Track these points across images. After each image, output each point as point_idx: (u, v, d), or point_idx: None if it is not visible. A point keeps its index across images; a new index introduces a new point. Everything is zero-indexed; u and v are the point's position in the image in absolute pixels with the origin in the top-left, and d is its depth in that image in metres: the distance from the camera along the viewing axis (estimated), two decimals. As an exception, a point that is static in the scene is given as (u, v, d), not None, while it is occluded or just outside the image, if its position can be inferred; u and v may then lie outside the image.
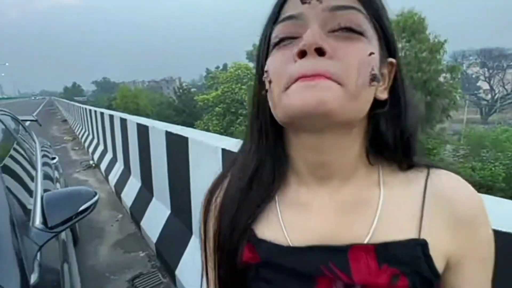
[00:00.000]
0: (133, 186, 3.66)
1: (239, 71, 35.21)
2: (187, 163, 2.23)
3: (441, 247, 0.38)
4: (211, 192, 0.50)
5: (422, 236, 0.37)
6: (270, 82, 0.37)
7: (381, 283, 0.36)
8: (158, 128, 2.81)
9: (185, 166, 2.25)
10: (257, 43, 0.42)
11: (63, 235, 1.41)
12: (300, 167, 0.42)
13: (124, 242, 2.97)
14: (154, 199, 3.03)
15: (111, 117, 4.97)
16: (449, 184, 0.40)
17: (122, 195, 3.84)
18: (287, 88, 0.35)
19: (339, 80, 0.33)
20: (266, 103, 0.40)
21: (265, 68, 0.38)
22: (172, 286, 2.25)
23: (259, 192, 0.43)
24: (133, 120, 3.68)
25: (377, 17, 0.37)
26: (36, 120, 5.38)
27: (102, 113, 5.91)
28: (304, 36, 0.34)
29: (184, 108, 31.39)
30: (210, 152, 1.87)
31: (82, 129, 9.89)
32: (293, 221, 0.42)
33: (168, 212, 2.69)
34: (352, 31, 0.35)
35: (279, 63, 0.36)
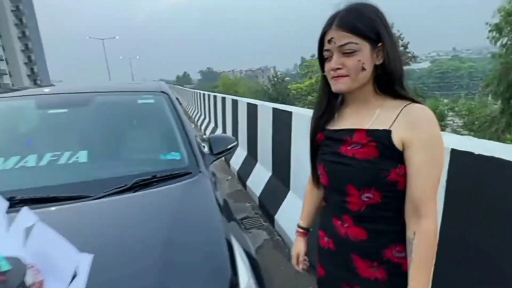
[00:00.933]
0: (240, 154, 4.47)
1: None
2: (289, 133, 2.77)
3: (399, 134, 0.79)
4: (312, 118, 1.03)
5: (390, 128, 0.80)
6: (325, 73, 0.88)
7: (364, 143, 0.82)
8: (266, 106, 3.45)
9: (288, 136, 2.80)
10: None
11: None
12: (347, 98, 0.92)
13: (233, 195, 3.78)
14: (258, 164, 3.74)
15: (223, 98, 5.96)
16: (416, 107, 0.80)
17: (231, 161, 4.72)
18: (331, 79, 0.85)
19: (348, 75, 0.81)
20: (327, 81, 0.89)
21: (325, 71, 0.88)
22: (271, 227, 2.88)
23: (327, 112, 0.95)
24: (244, 100, 4.47)
25: (371, 32, 0.79)
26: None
27: (215, 96, 7.08)
28: (332, 60, 0.83)
29: (278, 96, 32.54)
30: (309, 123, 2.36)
31: (194, 109, 11.71)
32: (338, 121, 0.92)
33: (270, 174, 3.33)
34: (350, 52, 0.80)
35: (327, 69, 0.85)
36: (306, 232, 1.14)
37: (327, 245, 0.98)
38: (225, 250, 1.03)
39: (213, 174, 1.66)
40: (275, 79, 36.81)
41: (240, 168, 4.28)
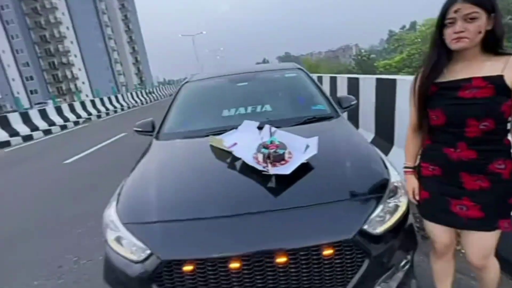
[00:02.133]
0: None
1: (434, 28, 30.35)
2: (393, 98, 3.29)
3: (509, 77, 1.05)
4: (417, 74, 1.29)
5: (502, 73, 1.07)
6: (444, 38, 1.14)
7: (482, 86, 1.09)
8: (368, 77, 3.99)
9: (392, 100, 3.32)
10: None
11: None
12: (455, 57, 1.17)
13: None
14: (360, 128, 4.32)
15: (320, 77, 6.61)
16: None
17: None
18: (451, 40, 1.11)
19: (468, 38, 1.08)
20: (442, 41, 1.14)
21: (444, 32, 1.13)
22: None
23: (436, 68, 1.18)
24: (344, 76, 5.05)
25: (488, 4, 1.05)
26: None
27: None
28: (456, 25, 1.09)
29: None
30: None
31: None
32: (449, 74, 1.17)
33: (373, 135, 3.90)
34: (472, 19, 1.05)
35: (449, 33, 1.11)
36: (414, 170, 1.37)
37: (432, 172, 1.27)
38: (379, 158, 1.64)
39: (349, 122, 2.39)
40: (359, 57, 35.00)
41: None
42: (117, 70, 74.28)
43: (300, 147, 1.61)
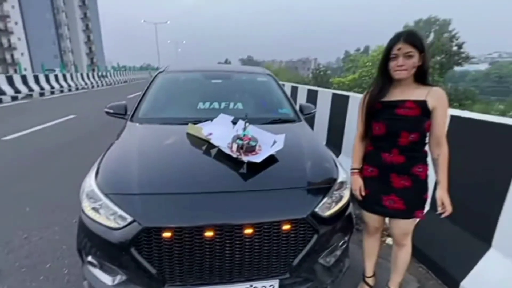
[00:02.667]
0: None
1: (381, 58, 33.40)
2: (345, 112, 3.76)
3: (431, 103, 1.43)
4: (365, 94, 1.76)
5: (426, 99, 1.44)
6: (389, 68, 1.49)
7: (413, 107, 1.45)
8: (326, 91, 4.45)
9: (344, 114, 3.78)
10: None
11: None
12: (396, 83, 1.51)
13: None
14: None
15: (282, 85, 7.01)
16: (438, 88, 1.45)
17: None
18: (394, 71, 1.47)
19: (406, 70, 1.43)
20: (386, 70, 1.49)
21: (389, 64, 1.48)
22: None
23: (382, 90, 1.54)
24: (304, 87, 5.49)
25: (420, 46, 1.42)
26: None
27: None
28: (399, 60, 1.44)
29: (319, 89, 32.71)
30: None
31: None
32: (391, 96, 1.52)
33: (324, 142, 4.35)
34: (410, 57, 1.41)
35: (393, 65, 1.45)
36: (359, 171, 1.70)
37: (371, 174, 1.63)
38: (332, 159, 1.94)
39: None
40: (317, 71, 37.02)
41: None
42: (67, 47, 67.82)
43: (268, 142, 1.88)
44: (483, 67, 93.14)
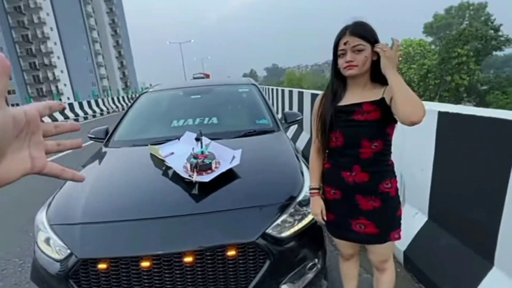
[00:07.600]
0: (304, 137, 5.32)
1: (410, 48, 31.68)
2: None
3: (388, 96, 1.18)
4: (321, 99, 1.58)
5: (383, 96, 1.22)
6: (339, 67, 1.29)
7: (371, 109, 1.24)
8: (306, 91, 4.24)
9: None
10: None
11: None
12: (350, 85, 1.33)
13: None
14: (303, 132, 4.54)
15: (290, 91, 6.86)
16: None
17: (297, 144, 5.61)
18: (343, 68, 1.27)
19: (357, 65, 1.23)
20: (338, 71, 1.30)
21: (338, 62, 1.29)
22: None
23: (336, 94, 1.34)
24: (308, 92, 5.30)
25: (371, 38, 1.22)
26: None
27: (282, 90, 8.02)
28: (347, 56, 1.25)
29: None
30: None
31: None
32: (346, 100, 1.32)
33: (309, 136, 4.12)
34: (359, 51, 1.21)
35: (341, 63, 1.26)
36: (319, 191, 1.44)
37: (333, 196, 1.38)
38: (300, 172, 1.80)
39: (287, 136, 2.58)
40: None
41: (304, 148, 5.14)
42: (101, 74, 73.08)
43: (228, 158, 1.77)
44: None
